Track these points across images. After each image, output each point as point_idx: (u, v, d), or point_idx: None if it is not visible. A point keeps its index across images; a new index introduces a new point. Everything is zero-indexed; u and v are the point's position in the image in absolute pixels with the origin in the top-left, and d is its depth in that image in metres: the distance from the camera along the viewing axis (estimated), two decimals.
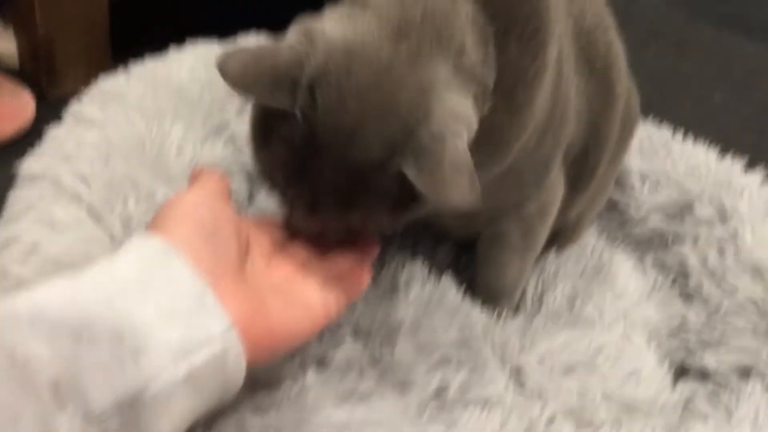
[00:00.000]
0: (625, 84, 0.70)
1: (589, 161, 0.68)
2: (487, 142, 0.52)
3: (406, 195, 0.48)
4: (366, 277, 0.55)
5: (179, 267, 0.42)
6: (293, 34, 0.48)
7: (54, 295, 0.37)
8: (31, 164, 0.70)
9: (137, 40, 0.94)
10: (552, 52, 0.54)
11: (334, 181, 0.48)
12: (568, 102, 0.61)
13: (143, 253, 0.42)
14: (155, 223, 0.46)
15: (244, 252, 0.49)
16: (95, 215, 0.66)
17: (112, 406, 0.35)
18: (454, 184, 0.45)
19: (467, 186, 0.46)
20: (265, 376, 0.53)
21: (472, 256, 0.74)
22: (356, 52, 0.46)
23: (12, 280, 0.59)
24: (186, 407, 0.39)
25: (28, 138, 1.05)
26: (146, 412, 0.37)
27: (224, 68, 0.46)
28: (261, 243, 0.53)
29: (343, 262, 0.55)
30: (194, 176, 0.52)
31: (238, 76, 0.46)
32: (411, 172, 0.45)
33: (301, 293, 0.49)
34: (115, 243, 0.64)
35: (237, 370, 0.42)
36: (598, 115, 0.66)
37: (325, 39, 0.47)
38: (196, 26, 0.90)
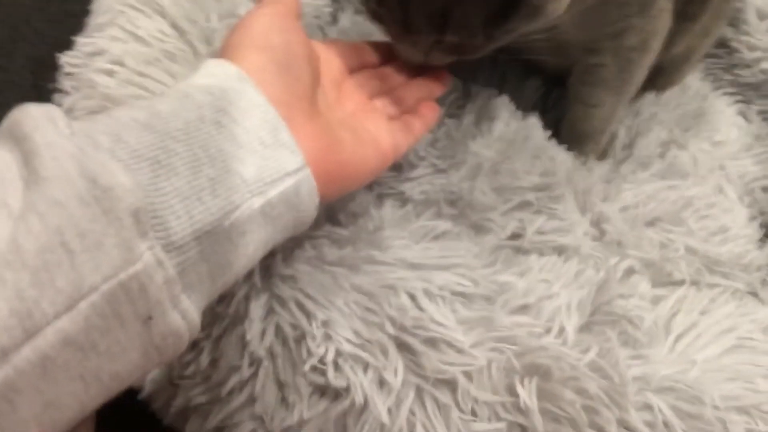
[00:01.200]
0: None
1: None
2: None
3: (501, 4, 0.45)
4: (435, 113, 0.54)
5: (255, 98, 0.41)
6: None
7: (132, 122, 0.37)
8: None
9: None
10: None
11: None
12: None
13: (219, 80, 0.41)
14: (227, 48, 0.44)
15: (316, 81, 0.47)
16: (178, 29, 0.64)
17: (191, 236, 0.36)
18: None
19: None
20: (343, 208, 0.54)
21: (562, 93, 0.70)
22: None
23: (98, 91, 0.60)
24: (261, 238, 0.40)
25: None
26: (223, 242, 0.37)
27: None
28: (331, 69, 0.51)
29: (411, 95, 0.53)
30: None
31: None
32: None
33: (371, 129, 0.48)
34: (198, 57, 0.64)
35: (309, 205, 0.42)
36: None
37: None
38: None
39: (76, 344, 0.31)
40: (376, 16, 0.50)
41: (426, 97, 0.54)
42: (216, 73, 0.42)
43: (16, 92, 0.67)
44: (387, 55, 0.56)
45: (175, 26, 0.64)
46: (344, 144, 0.45)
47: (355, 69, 0.54)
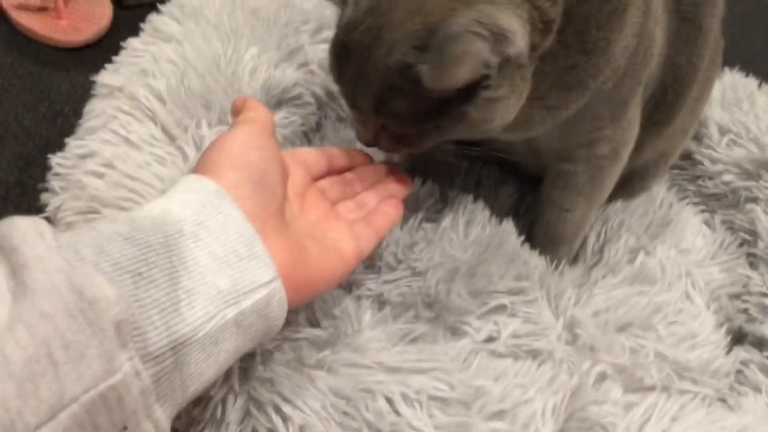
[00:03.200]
0: (715, 21, 0.67)
1: (668, 95, 0.66)
2: (563, 80, 0.51)
3: (434, 105, 0.48)
4: (397, 215, 0.56)
5: (232, 213, 0.43)
6: None
7: (115, 235, 0.38)
8: (108, 76, 0.71)
9: None
10: None
11: (366, 82, 0.49)
12: (653, 41, 0.59)
13: (199, 195, 0.43)
14: (205, 164, 0.46)
15: (286, 193, 0.50)
16: (169, 134, 0.67)
17: (167, 346, 0.37)
18: (452, 73, 0.46)
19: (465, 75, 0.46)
20: (323, 310, 0.55)
21: (535, 199, 0.73)
22: None
23: (87, 193, 0.61)
24: (232, 347, 0.41)
25: (105, 43, 1.06)
26: (196, 352, 0.39)
27: None
28: (295, 180, 0.53)
29: (374, 198, 0.56)
30: (238, 108, 0.51)
31: None
32: (422, 68, 0.46)
33: (334, 238, 0.50)
34: (188, 162, 0.66)
35: (279, 315, 0.44)
36: (678, 50, 0.63)
37: None
38: None
39: None
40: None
41: (389, 197, 0.57)
42: (195, 188, 0.44)
43: (1, 188, 0.68)
44: (353, 160, 0.59)
45: (165, 131, 0.67)
46: (310, 256, 0.47)
47: (319, 175, 0.56)
